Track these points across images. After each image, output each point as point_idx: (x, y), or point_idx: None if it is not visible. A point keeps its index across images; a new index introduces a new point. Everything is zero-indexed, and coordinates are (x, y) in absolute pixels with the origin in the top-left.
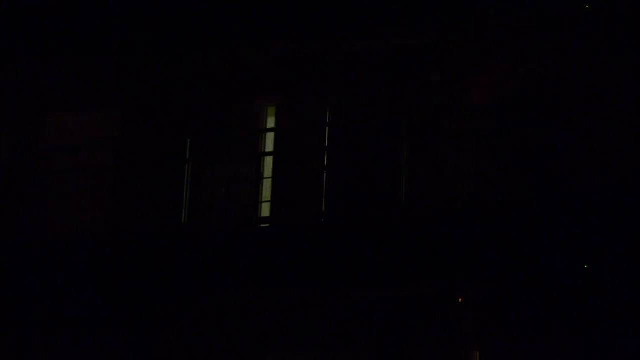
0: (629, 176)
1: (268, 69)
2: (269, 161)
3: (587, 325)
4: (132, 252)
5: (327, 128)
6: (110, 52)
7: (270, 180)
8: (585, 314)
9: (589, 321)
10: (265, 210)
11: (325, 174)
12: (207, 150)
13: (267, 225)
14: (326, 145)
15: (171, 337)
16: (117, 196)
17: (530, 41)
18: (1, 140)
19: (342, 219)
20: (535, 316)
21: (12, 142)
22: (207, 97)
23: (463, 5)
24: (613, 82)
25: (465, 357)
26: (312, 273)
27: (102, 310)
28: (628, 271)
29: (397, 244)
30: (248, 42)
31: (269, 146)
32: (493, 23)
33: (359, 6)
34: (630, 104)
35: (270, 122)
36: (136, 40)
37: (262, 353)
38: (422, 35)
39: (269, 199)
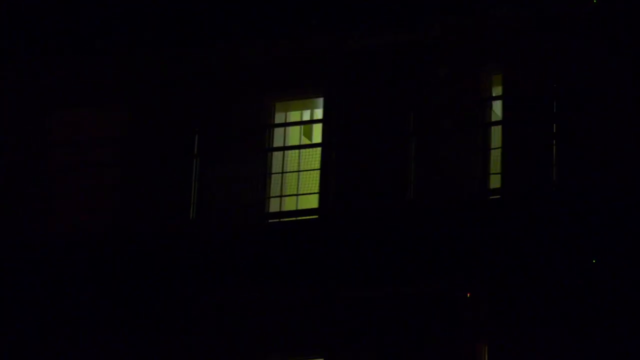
0: (629, 176)
1: (272, 67)
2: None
3: (592, 320)
4: (133, 252)
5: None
6: (114, 51)
7: (275, 176)
8: (590, 309)
9: (594, 316)
10: (274, 206)
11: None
12: (212, 147)
13: (275, 220)
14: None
15: (171, 336)
16: (121, 195)
17: (530, 40)
18: (4, 138)
19: (343, 219)
20: (541, 312)
21: (16, 141)
22: (212, 94)
23: (464, 4)
24: (613, 82)
25: (474, 353)
26: (315, 272)
27: (103, 309)
28: (628, 269)
29: (402, 242)
30: (251, 40)
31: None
32: (493, 22)
33: (361, 5)
34: (630, 104)
35: (280, 117)
36: (140, 38)
37: (262, 353)
38: (423, 33)
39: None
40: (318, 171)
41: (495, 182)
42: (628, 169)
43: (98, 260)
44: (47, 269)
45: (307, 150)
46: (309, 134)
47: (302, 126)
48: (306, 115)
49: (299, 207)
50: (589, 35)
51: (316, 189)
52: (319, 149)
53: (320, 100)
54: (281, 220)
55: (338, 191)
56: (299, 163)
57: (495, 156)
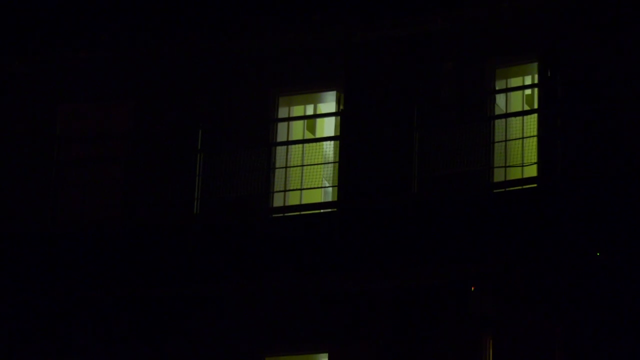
0: (634, 169)
1: (277, 61)
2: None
3: (596, 314)
4: (137, 246)
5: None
6: (119, 46)
7: (279, 170)
8: (594, 303)
9: (599, 310)
10: (278, 201)
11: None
12: (217, 141)
13: (280, 215)
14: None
15: (174, 330)
16: (125, 189)
17: (537, 30)
18: (16, 130)
19: (347, 212)
20: (546, 305)
21: (26, 132)
22: (218, 88)
23: None
24: (615, 75)
25: (478, 346)
26: (320, 266)
27: (105, 301)
28: (632, 264)
29: (406, 236)
30: (259, 33)
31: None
32: (500, 14)
33: None
34: (634, 98)
35: (283, 112)
36: (145, 33)
37: (266, 348)
38: (429, 25)
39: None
40: (322, 166)
41: (499, 175)
42: (633, 163)
43: (101, 254)
44: (50, 261)
45: (310, 144)
46: (312, 129)
47: (306, 121)
48: (309, 110)
49: (303, 202)
50: (596, 26)
51: (320, 183)
52: (323, 143)
53: (324, 95)
54: (285, 215)
55: (342, 185)
56: (302, 158)
57: (500, 149)
